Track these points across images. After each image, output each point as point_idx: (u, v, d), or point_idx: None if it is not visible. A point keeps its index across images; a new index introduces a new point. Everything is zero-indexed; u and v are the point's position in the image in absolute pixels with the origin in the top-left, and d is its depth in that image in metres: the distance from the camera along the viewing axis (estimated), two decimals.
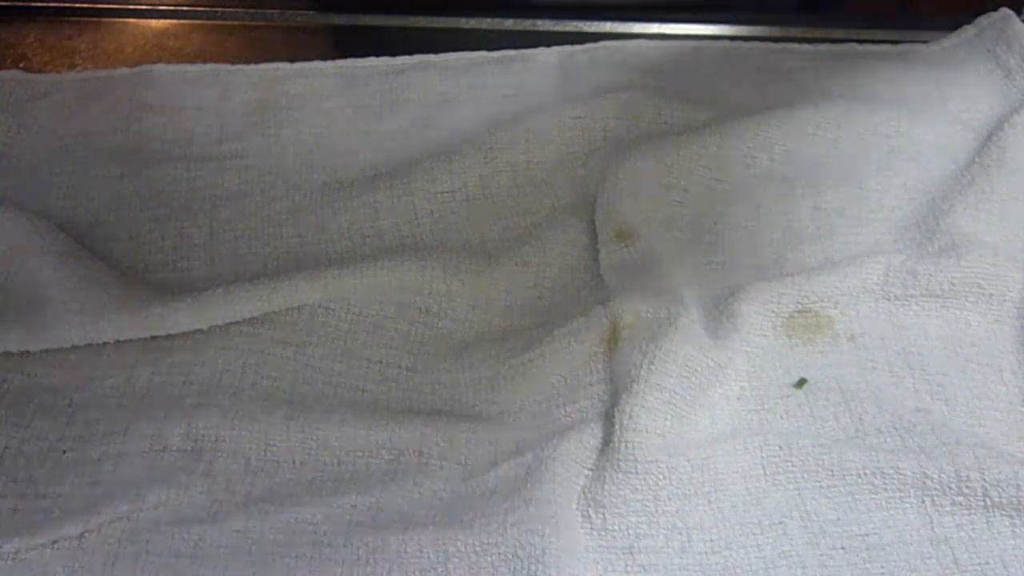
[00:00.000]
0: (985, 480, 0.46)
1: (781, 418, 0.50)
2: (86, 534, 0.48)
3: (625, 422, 0.47)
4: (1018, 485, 0.46)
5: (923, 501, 0.46)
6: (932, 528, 0.46)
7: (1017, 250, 0.56)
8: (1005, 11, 0.69)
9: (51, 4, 0.74)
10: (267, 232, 0.60)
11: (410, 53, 0.70)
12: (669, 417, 0.47)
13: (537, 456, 0.47)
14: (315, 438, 0.49)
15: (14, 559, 0.47)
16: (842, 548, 0.45)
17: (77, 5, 0.74)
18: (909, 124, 0.61)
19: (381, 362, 0.54)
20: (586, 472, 0.47)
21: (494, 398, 0.52)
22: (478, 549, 0.44)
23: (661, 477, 0.46)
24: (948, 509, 0.46)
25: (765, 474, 0.47)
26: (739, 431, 0.49)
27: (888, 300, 0.54)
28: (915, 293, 0.54)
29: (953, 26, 0.71)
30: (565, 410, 0.51)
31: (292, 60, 0.69)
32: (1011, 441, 0.50)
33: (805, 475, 0.47)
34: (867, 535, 0.46)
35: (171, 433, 0.49)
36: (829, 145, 0.60)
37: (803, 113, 0.61)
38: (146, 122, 0.65)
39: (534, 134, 0.62)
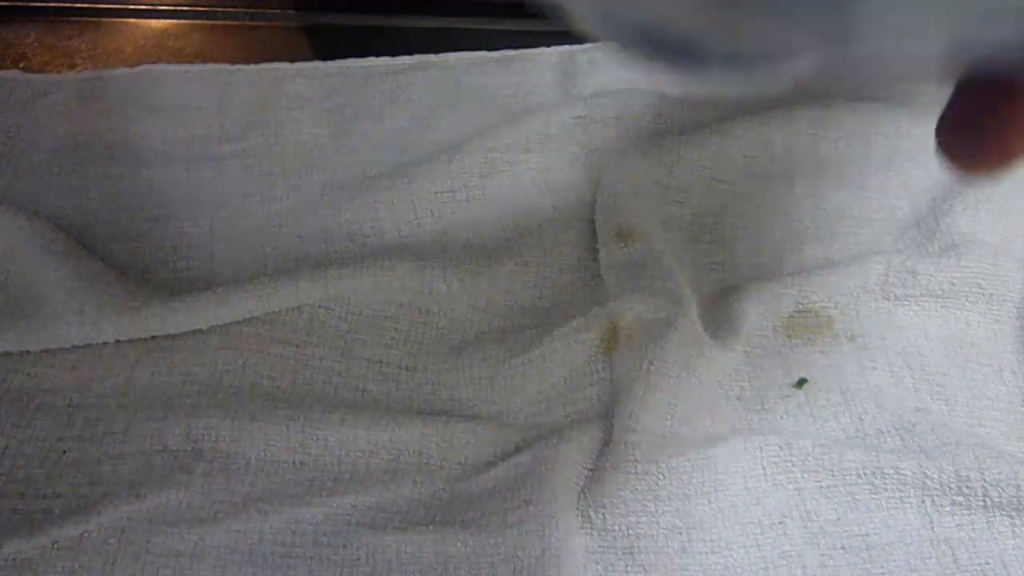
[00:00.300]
0: (985, 480, 0.46)
1: (781, 418, 0.50)
2: (86, 534, 0.48)
3: (625, 422, 0.47)
4: (1018, 485, 0.46)
5: (923, 501, 0.46)
6: (932, 528, 0.46)
7: (1017, 250, 0.56)
8: None
9: (51, 4, 0.74)
10: (267, 232, 0.60)
11: (410, 53, 0.70)
12: (669, 417, 0.47)
13: (537, 456, 0.47)
14: (315, 438, 0.49)
15: (14, 559, 0.48)
16: (842, 548, 0.45)
17: (77, 5, 0.74)
18: (910, 124, 0.61)
19: (381, 362, 0.54)
20: (586, 472, 0.47)
21: (494, 398, 0.52)
22: (478, 549, 0.44)
23: (661, 477, 0.46)
24: (948, 509, 0.46)
25: (765, 474, 0.47)
26: (739, 431, 0.49)
27: (888, 300, 0.55)
28: (915, 293, 0.54)
29: None
30: (565, 410, 0.51)
31: (292, 60, 0.69)
32: (1011, 441, 0.50)
33: (805, 475, 0.47)
34: (867, 535, 0.46)
35: (171, 433, 0.49)
36: (829, 145, 0.61)
37: (803, 113, 0.61)
38: (146, 122, 0.65)
39: (534, 134, 0.62)
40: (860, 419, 0.50)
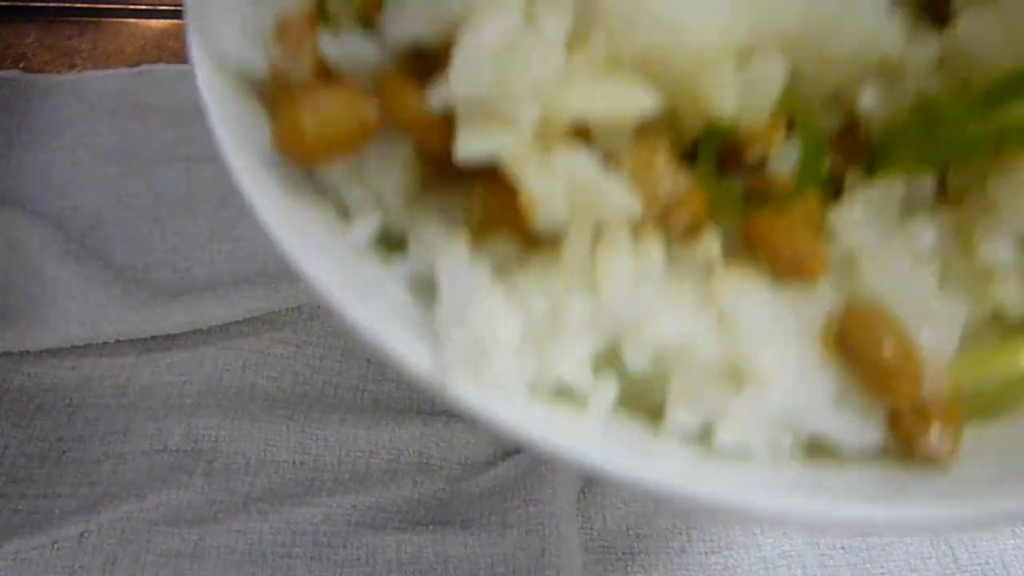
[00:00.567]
0: None
1: None
2: (86, 534, 0.48)
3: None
4: None
5: None
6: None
7: None
8: None
9: (51, 4, 0.74)
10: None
11: None
12: None
13: (537, 456, 0.47)
14: (315, 438, 0.49)
15: (14, 559, 0.48)
16: (842, 548, 0.45)
17: (77, 5, 0.74)
18: None
19: (381, 362, 0.54)
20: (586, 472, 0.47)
21: None
22: (478, 549, 0.44)
23: None
24: None
25: None
26: None
27: None
28: None
29: None
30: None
31: None
32: None
33: None
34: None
35: (171, 433, 0.49)
36: None
37: None
38: (146, 122, 0.65)
39: None
40: None
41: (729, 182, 0.25)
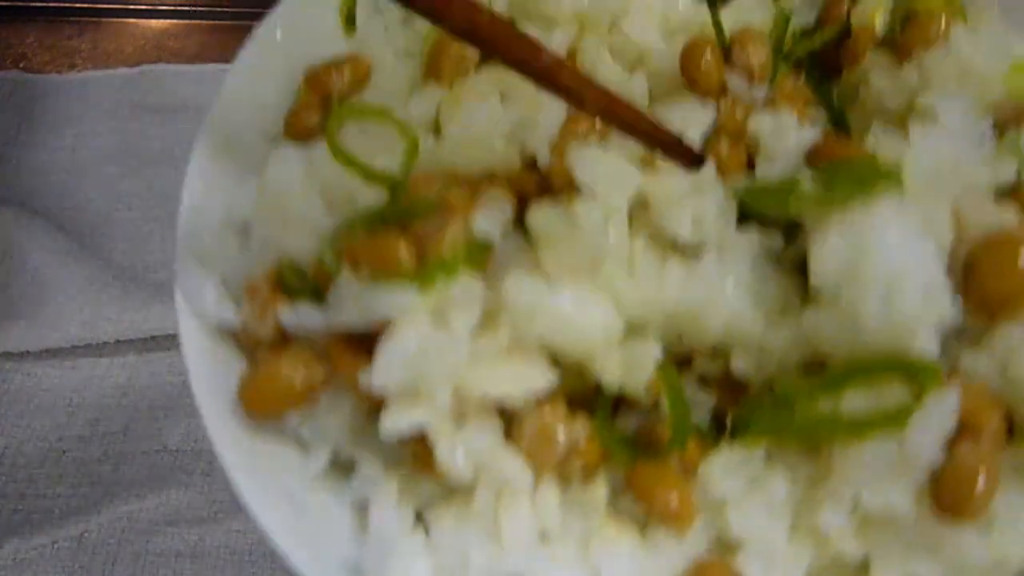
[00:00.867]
0: None
1: None
2: (86, 534, 0.48)
3: None
4: None
5: None
6: None
7: None
8: None
9: (51, 4, 0.74)
10: None
11: None
12: None
13: None
14: None
15: (14, 559, 0.48)
16: None
17: (77, 5, 0.74)
18: None
19: None
20: None
21: None
22: None
23: None
24: None
25: None
26: None
27: None
28: None
29: None
30: None
31: None
32: None
33: None
34: None
35: (171, 433, 0.49)
36: None
37: None
38: (146, 122, 0.65)
39: None
40: None
41: (620, 432, 0.30)
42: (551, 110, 0.32)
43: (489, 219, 0.29)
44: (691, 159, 0.30)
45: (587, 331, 0.28)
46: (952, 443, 0.26)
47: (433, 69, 0.35)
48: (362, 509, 0.30)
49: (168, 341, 0.54)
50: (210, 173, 0.34)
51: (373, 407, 0.28)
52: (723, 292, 0.29)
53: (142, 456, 0.50)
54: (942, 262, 0.28)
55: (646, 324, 0.29)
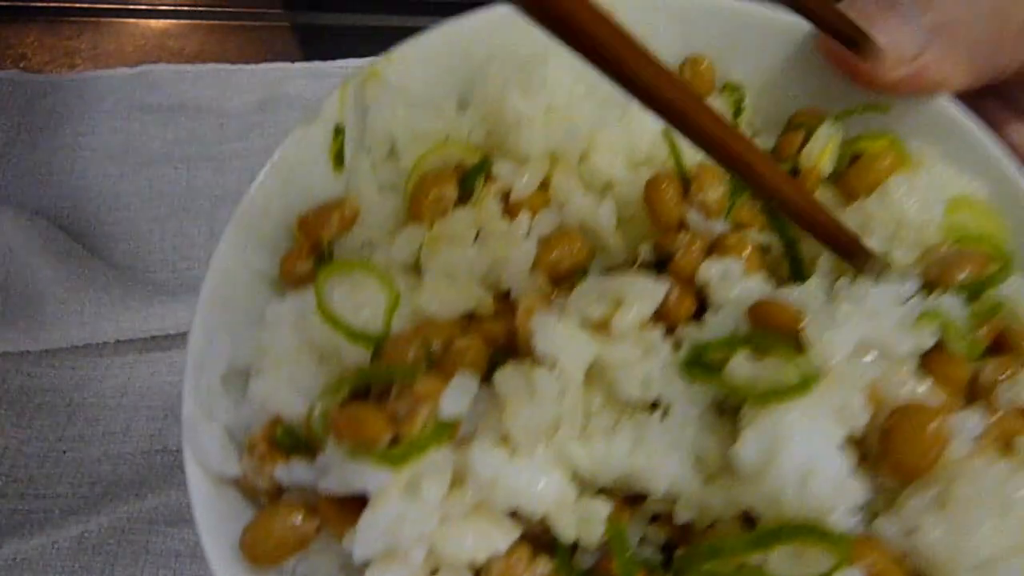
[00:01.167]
0: None
1: None
2: (86, 534, 0.48)
3: None
4: None
5: None
6: None
7: None
8: None
9: (51, 4, 0.74)
10: None
11: None
12: None
13: None
14: None
15: (14, 559, 0.48)
16: None
17: (77, 5, 0.74)
18: None
19: None
20: None
21: None
22: None
23: None
24: None
25: None
26: None
27: None
28: None
29: None
30: None
31: (292, 60, 0.69)
32: None
33: None
34: None
35: (171, 433, 0.49)
36: None
37: None
38: (146, 122, 0.65)
39: None
40: None
41: (578, 569, 0.33)
42: (523, 248, 0.36)
43: (455, 401, 0.31)
44: (864, 260, 0.34)
45: (544, 497, 0.32)
46: None
47: (415, 209, 0.38)
48: None
49: (168, 341, 0.54)
50: (213, 322, 0.36)
51: None
52: (665, 458, 0.32)
53: (142, 456, 0.50)
54: (853, 454, 0.31)
55: (597, 480, 0.33)
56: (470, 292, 0.36)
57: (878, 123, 0.39)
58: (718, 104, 0.42)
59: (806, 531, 0.30)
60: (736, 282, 0.34)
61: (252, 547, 0.33)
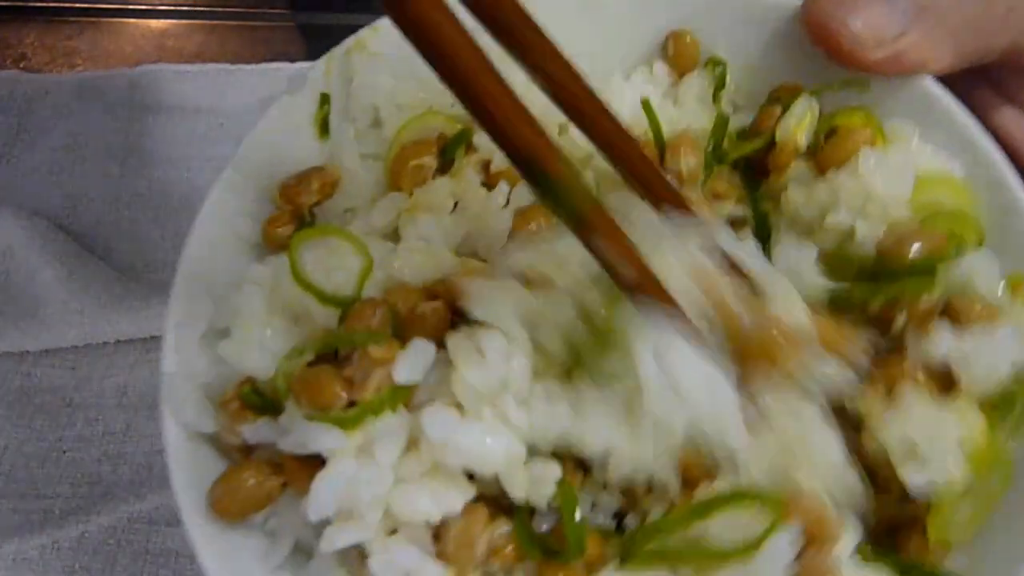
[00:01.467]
0: None
1: None
2: (86, 534, 0.48)
3: None
4: None
5: None
6: None
7: None
8: None
9: (51, 4, 0.74)
10: None
11: None
12: None
13: None
14: None
15: (14, 559, 0.48)
16: None
17: (77, 5, 0.74)
18: None
19: None
20: None
21: None
22: None
23: None
24: None
25: None
26: None
27: None
28: None
29: None
30: None
31: (292, 60, 0.69)
32: None
33: None
34: None
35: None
36: None
37: None
38: (146, 122, 0.65)
39: None
40: None
41: (535, 533, 0.34)
42: (500, 218, 0.37)
43: (410, 366, 0.32)
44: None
45: (494, 457, 0.32)
46: (800, 553, 0.31)
47: (395, 178, 0.39)
48: None
49: None
50: (195, 283, 0.37)
51: None
52: (599, 422, 0.33)
53: (142, 456, 0.50)
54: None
55: (537, 443, 0.33)
56: (443, 259, 0.36)
57: (858, 100, 0.39)
58: (701, 78, 0.42)
59: (739, 496, 0.32)
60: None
61: (219, 502, 0.34)
